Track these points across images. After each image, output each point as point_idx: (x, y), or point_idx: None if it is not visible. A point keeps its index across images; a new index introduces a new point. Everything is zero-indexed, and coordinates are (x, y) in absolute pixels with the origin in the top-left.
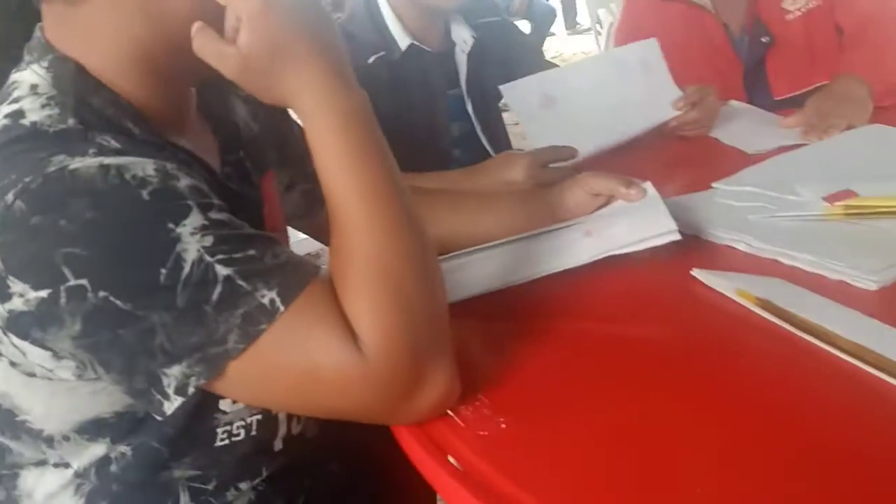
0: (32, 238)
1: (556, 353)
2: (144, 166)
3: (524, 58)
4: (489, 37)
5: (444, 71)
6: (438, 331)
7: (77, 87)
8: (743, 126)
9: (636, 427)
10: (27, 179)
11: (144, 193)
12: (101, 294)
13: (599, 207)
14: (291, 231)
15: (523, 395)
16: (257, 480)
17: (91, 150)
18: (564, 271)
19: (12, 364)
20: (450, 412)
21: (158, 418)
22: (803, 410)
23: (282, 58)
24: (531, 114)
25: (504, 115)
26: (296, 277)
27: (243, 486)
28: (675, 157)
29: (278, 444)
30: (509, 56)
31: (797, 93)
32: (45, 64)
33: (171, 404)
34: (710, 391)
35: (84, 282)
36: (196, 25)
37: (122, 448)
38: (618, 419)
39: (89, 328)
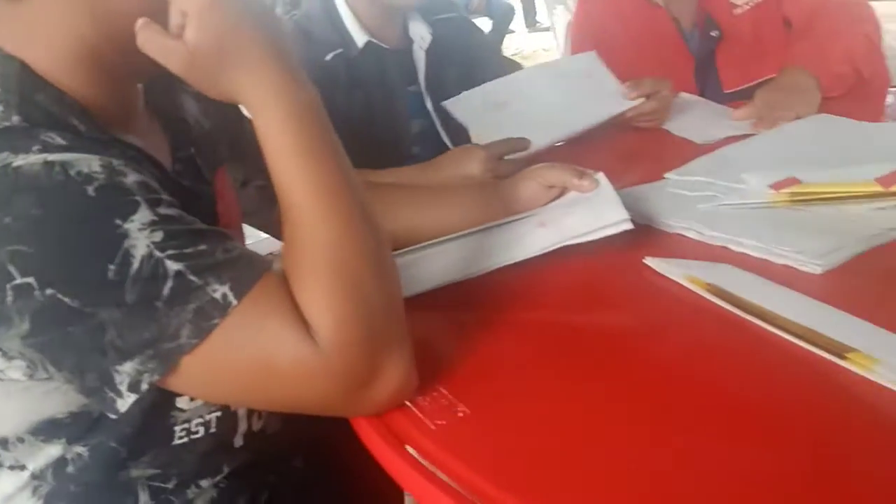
0: None
1: (512, 343)
2: (90, 162)
3: (483, 54)
4: (447, 33)
5: (403, 68)
6: (394, 321)
7: (21, 84)
8: (693, 118)
9: (592, 411)
10: None
11: (90, 189)
12: (49, 292)
13: (553, 199)
14: (254, 231)
15: (481, 384)
16: (218, 478)
17: (35, 147)
18: (519, 262)
19: None
20: (408, 403)
21: (113, 417)
22: (751, 390)
23: (230, 53)
24: (479, 118)
25: None
26: (248, 271)
27: (204, 483)
28: (629, 149)
29: (239, 441)
30: (468, 53)
31: (747, 85)
32: None
33: (125, 401)
34: (663, 375)
35: (31, 280)
36: (140, 21)
37: (79, 449)
38: (574, 405)
39: (38, 327)
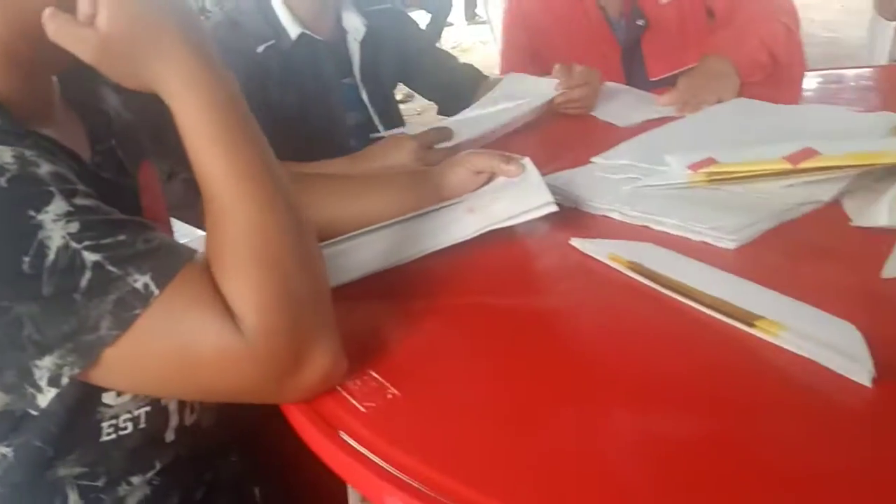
0: None
1: (442, 327)
2: (1, 154)
3: (419, 46)
4: (381, 24)
5: (337, 60)
6: (319, 307)
7: None
8: (619, 104)
9: (521, 390)
10: None
11: (2, 181)
12: None
13: (482, 185)
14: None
15: (411, 367)
16: (150, 474)
17: None
18: (449, 248)
19: None
20: (338, 387)
21: (36, 414)
22: (669, 359)
23: (143, 40)
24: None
25: (401, 106)
26: (170, 261)
27: (135, 480)
28: (558, 135)
29: (170, 436)
30: (403, 44)
31: (671, 73)
32: None
33: (45, 397)
34: (587, 351)
35: None
36: (47, 11)
37: (3, 449)
38: (503, 384)
39: None
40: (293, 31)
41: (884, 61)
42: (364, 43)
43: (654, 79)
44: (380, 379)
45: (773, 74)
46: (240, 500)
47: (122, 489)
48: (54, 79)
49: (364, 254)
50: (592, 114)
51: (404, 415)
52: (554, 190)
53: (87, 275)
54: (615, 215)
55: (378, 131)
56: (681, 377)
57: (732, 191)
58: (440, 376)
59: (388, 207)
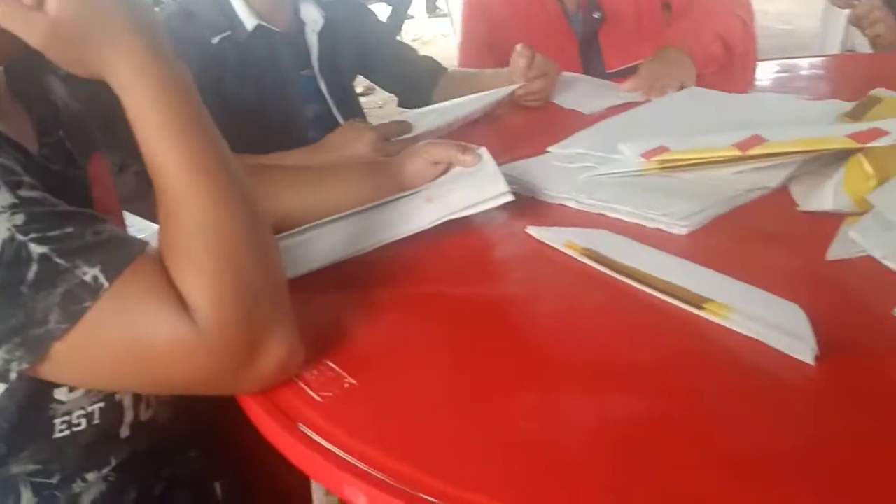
0: None
1: (400, 316)
2: None
3: (378, 38)
4: (340, 16)
5: (295, 51)
6: (274, 297)
7: None
8: (581, 91)
9: (479, 377)
10: None
11: None
12: None
13: (440, 175)
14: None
15: (369, 356)
16: (106, 470)
17: None
18: (407, 238)
19: None
20: (294, 378)
21: None
22: (622, 342)
23: (93, 26)
24: None
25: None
26: (120, 253)
27: (91, 477)
28: (516, 126)
29: (125, 431)
30: (363, 36)
31: (627, 66)
32: None
33: None
34: (544, 337)
35: None
36: None
37: None
38: (460, 372)
39: None
40: (249, 22)
41: (836, 50)
42: (322, 34)
43: (610, 71)
44: (337, 369)
45: (728, 65)
46: (199, 495)
47: (77, 486)
48: (0, 69)
49: (322, 244)
50: (556, 102)
51: (362, 404)
52: (511, 179)
53: (34, 267)
54: (571, 203)
55: (337, 122)
56: (633, 360)
57: (684, 178)
58: (398, 365)
59: (347, 198)
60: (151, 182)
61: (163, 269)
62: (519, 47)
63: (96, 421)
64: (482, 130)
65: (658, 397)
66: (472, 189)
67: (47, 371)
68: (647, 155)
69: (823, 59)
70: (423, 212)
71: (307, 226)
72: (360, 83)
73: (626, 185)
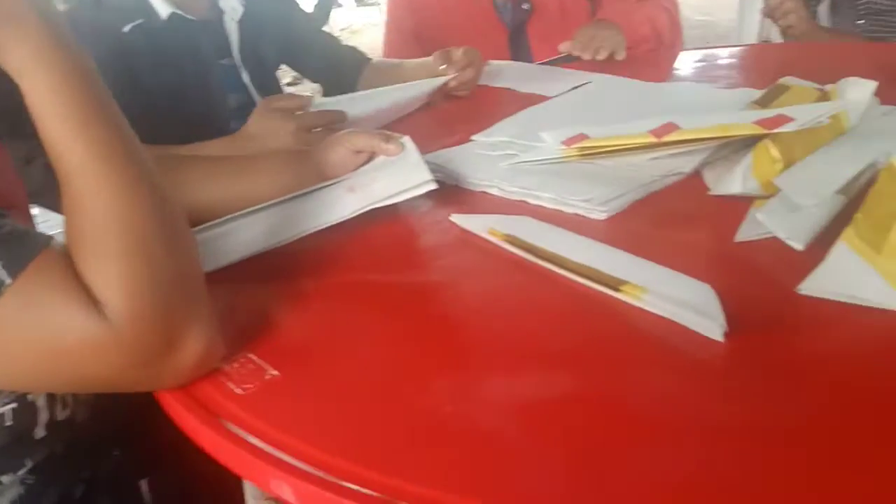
0: None
1: (324, 306)
2: None
3: (302, 27)
4: (261, 4)
5: (214, 40)
6: (189, 289)
7: None
8: (537, 76)
9: (402, 362)
10: None
11: None
12: None
13: (363, 164)
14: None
15: (291, 347)
16: (22, 472)
17: None
18: (331, 227)
19: None
20: (215, 372)
21: None
22: (542, 324)
23: None
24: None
25: (291, 88)
26: (23, 248)
27: (6, 479)
28: (443, 114)
29: (40, 432)
30: (286, 25)
31: (555, 58)
32: None
33: None
34: (467, 321)
35: None
36: None
37: None
38: (384, 360)
39: None
40: (163, 10)
41: (753, 41)
42: (242, 23)
43: (538, 62)
44: (258, 361)
45: (656, 51)
46: (123, 495)
47: None
48: None
49: (244, 235)
50: (520, 89)
51: (284, 395)
52: (435, 167)
53: None
54: (494, 191)
55: None
56: (553, 342)
57: (604, 164)
58: (321, 355)
59: (268, 188)
60: None
61: (69, 264)
62: (436, 54)
63: (8, 422)
64: (411, 119)
65: (577, 376)
66: (395, 178)
67: None
68: (568, 142)
69: (739, 48)
70: (346, 201)
71: (228, 217)
72: (290, 72)
73: (548, 173)
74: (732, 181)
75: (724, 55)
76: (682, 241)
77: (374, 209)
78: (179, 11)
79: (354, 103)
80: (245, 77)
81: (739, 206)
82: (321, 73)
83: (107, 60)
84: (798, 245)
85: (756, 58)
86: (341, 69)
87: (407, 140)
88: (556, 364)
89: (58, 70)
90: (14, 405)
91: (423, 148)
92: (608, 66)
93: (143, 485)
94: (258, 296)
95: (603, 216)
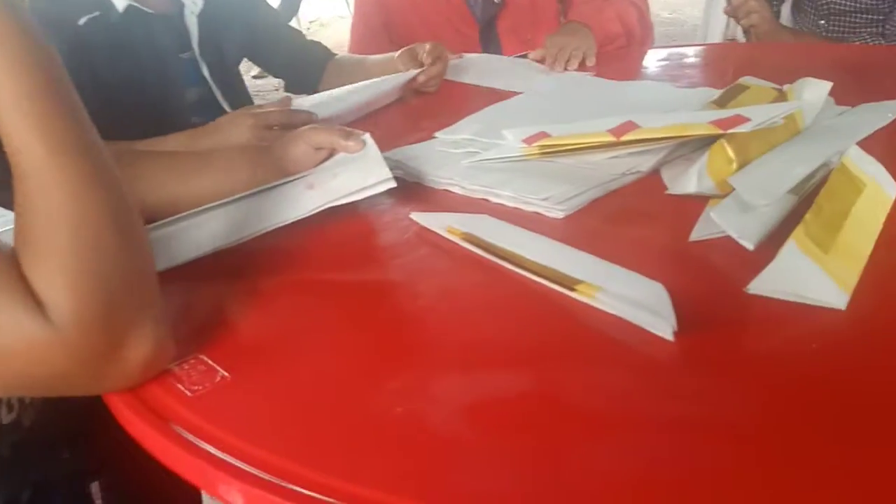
0: None
1: (280, 305)
2: None
3: (265, 21)
4: None
5: (173, 33)
6: (140, 289)
7: None
8: (513, 73)
9: (356, 362)
10: None
11: None
12: None
13: (323, 160)
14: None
15: (244, 347)
16: None
17: None
18: (291, 224)
19: None
20: (164, 373)
21: None
22: (497, 322)
23: None
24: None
25: (258, 81)
26: None
27: None
28: (409, 110)
29: None
30: (249, 19)
31: (525, 53)
32: None
33: None
34: (423, 319)
35: None
36: None
37: None
38: (338, 358)
39: None
40: (120, 3)
41: (718, 39)
42: (202, 16)
43: (508, 56)
44: (210, 362)
45: (626, 48)
46: (74, 498)
47: None
48: None
49: (201, 233)
50: (483, 84)
51: (235, 398)
52: (397, 164)
53: None
54: (455, 189)
55: (222, 108)
56: (507, 341)
57: (564, 163)
58: (275, 356)
59: (225, 184)
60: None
61: (13, 263)
62: (399, 53)
63: None
64: (377, 115)
65: (529, 375)
66: (354, 175)
67: None
68: (529, 140)
69: (701, 48)
70: (305, 198)
71: (184, 214)
72: (255, 66)
73: (508, 171)
74: (688, 180)
75: (688, 54)
76: (639, 239)
77: (334, 206)
78: (136, 4)
79: (328, 104)
80: (205, 71)
81: (696, 205)
82: (284, 68)
83: (62, 54)
84: (749, 244)
85: (718, 57)
86: (305, 64)
87: (367, 137)
88: (509, 363)
89: (16, 58)
90: None
91: (387, 144)
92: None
93: (95, 487)
94: (212, 295)
95: (561, 215)
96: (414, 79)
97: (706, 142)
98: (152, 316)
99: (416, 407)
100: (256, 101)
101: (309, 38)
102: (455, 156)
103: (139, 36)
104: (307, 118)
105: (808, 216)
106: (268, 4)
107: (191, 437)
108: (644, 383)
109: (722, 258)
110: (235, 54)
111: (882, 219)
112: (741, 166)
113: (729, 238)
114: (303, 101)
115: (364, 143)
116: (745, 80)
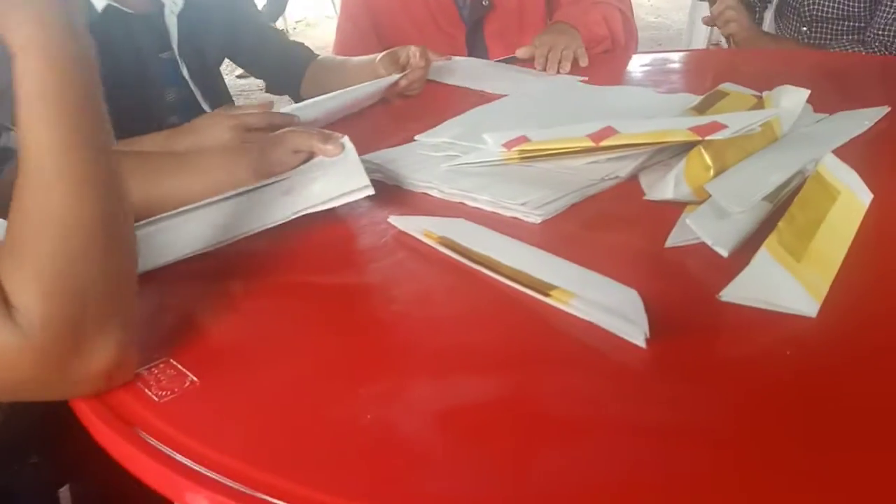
0: None
1: (255, 309)
2: None
3: (247, 21)
4: None
5: (153, 33)
6: (115, 296)
7: None
8: (488, 72)
9: (328, 367)
10: None
11: None
12: None
13: (302, 163)
14: None
15: (216, 352)
16: None
17: None
18: (269, 229)
19: None
20: (132, 379)
21: None
22: (471, 327)
23: None
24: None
25: (242, 81)
26: None
27: None
28: (395, 111)
29: None
30: (231, 19)
31: (511, 56)
32: None
33: None
34: (397, 324)
35: None
36: None
37: None
38: (311, 363)
39: None
40: (99, 2)
41: (702, 44)
42: (182, 16)
43: (494, 60)
44: (179, 367)
45: (611, 52)
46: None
47: None
48: None
49: (179, 235)
50: (467, 86)
51: (203, 403)
52: (376, 168)
53: None
54: (434, 193)
55: (202, 108)
56: (481, 345)
57: (543, 167)
58: (246, 361)
59: (201, 186)
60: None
61: None
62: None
63: None
64: (359, 116)
65: (502, 381)
66: (332, 181)
67: None
68: (508, 145)
69: (683, 53)
70: (281, 204)
71: (158, 217)
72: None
73: (487, 175)
74: (665, 186)
75: (671, 59)
76: (615, 245)
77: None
78: (116, 4)
79: (309, 107)
80: (184, 71)
81: (673, 211)
82: (266, 69)
83: None
84: (723, 251)
85: (700, 63)
86: (287, 65)
87: (346, 140)
88: (482, 369)
89: (53, 54)
90: None
91: (368, 147)
92: None
93: (64, 493)
94: (187, 299)
95: (539, 220)
96: (396, 83)
97: (684, 148)
98: (120, 324)
99: (388, 413)
100: (240, 101)
101: (295, 38)
102: (435, 159)
103: (118, 36)
104: (287, 120)
105: (781, 224)
106: (250, 4)
107: (157, 444)
108: (617, 389)
109: (697, 264)
110: (216, 55)
111: (855, 227)
112: (718, 173)
113: (704, 244)
114: (294, 108)
115: (343, 146)
116: (725, 86)
